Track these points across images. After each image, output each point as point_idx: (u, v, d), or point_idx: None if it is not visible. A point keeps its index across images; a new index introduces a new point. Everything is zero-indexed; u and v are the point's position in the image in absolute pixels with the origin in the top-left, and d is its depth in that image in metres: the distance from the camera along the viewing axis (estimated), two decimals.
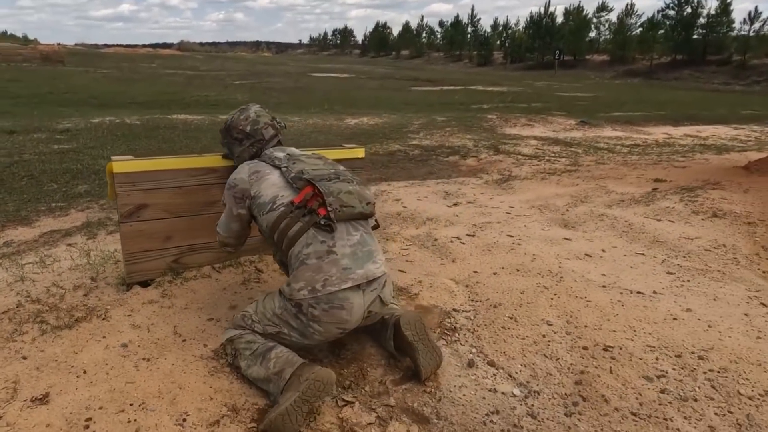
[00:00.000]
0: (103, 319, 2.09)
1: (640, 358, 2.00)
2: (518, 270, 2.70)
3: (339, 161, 2.69)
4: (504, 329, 2.18)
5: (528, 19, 51.69)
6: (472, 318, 2.27)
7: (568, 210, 3.84)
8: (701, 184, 4.40)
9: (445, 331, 2.17)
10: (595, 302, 2.37)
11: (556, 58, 42.42)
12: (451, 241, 3.09)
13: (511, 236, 3.19)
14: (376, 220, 1.95)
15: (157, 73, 23.37)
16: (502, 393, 1.85)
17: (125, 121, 7.79)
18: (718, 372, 1.92)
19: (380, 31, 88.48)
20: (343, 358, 1.99)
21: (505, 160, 6.08)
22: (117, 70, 24.60)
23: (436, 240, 3.10)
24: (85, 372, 1.77)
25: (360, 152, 2.88)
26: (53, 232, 3.38)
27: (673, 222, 3.55)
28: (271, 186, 1.80)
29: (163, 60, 39.46)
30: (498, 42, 57.78)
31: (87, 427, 1.53)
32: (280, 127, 2.10)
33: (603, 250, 3.01)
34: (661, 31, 41.90)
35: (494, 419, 1.72)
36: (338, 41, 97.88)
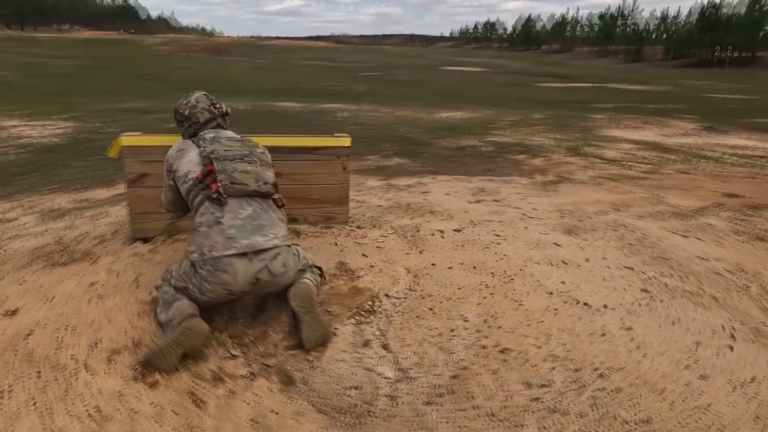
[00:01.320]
0: (92, 262, 2.59)
1: (534, 365, 1.96)
2: (475, 267, 2.70)
3: (324, 148, 2.93)
4: (418, 318, 2.25)
5: (694, 9, 45.94)
6: (397, 305, 2.36)
7: (590, 217, 3.62)
8: None
9: (362, 312, 2.30)
10: (527, 307, 2.32)
11: (725, 54, 37.24)
12: (433, 234, 3.14)
13: (497, 236, 3.15)
14: (280, 199, 2.15)
15: (298, 64, 25.34)
16: (377, 374, 1.94)
17: (237, 107, 8.76)
18: (609, 392, 1.82)
19: (529, 24, 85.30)
20: (257, 320, 2.23)
21: (576, 163, 5.75)
22: (269, 60, 27.15)
23: (418, 231, 3.18)
24: (52, 299, 2.25)
25: (346, 141, 3.06)
26: (122, 195, 4.08)
27: (700, 240, 3.18)
28: (188, 162, 2.10)
29: (313, 52, 42.50)
30: (655, 36, 52.27)
31: (27, 336, 1.98)
32: (219, 112, 2.36)
33: (586, 260, 2.85)
34: None
35: (351, 393, 1.84)
36: (484, 34, 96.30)
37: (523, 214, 3.67)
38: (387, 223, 3.34)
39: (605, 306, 2.35)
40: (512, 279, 2.56)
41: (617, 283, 2.59)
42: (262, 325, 2.19)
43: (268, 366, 1.97)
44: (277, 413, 1.76)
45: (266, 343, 2.09)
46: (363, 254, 2.85)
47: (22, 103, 8.26)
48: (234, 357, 2.00)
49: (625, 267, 2.78)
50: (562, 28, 75.30)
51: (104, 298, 2.27)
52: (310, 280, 2.22)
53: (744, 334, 2.19)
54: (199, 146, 2.15)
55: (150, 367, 1.84)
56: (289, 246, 2.11)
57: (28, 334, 1.99)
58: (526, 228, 3.33)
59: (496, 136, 7.24)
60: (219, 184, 1.95)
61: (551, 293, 2.44)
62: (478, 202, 4.02)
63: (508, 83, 19.06)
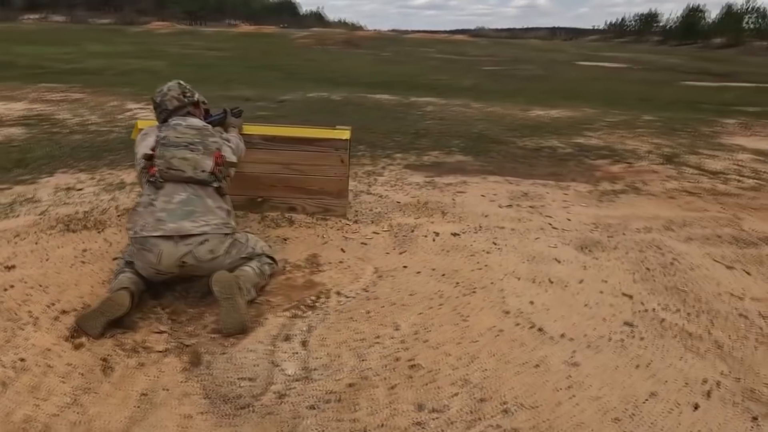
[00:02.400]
0: (98, 231, 2.89)
1: (438, 387, 1.80)
2: (444, 275, 2.52)
3: (322, 140, 2.96)
4: (350, 320, 2.18)
5: None
6: (341, 303, 2.31)
7: (624, 234, 3.17)
8: None
9: (302, 306, 2.28)
10: (470, 324, 2.12)
11: None
12: (426, 236, 2.99)
13: (495, 244, 2.90)
14: (219, 187, 2.19)
15: (423, 57, 25.44)
16: (280, 369, 1.93)
17: (330, 97, 9.09)
18: (509, 429, 1.61)
19: (696, 14, 76.02)
20: (203, 301, 2.31)
21: (661, 172, 5.06)
22: (394, 53, 27.63)
23: (413, 231, 3.05)
24: (47, 260, 2.56)
25: (344, 134, 3.03)
26: None
27: (746, 274, 2.64)
28: (145, 146, 2.24)
29: (445, 45, 42.33)
30: None
31: (6, 289, 2.28)
32: (188, 100, 2.45)
33: (580, 281, 2.51)
34: None
35: (243, 384, 1.85)
36: (640, 27, 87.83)
37: (549, 224, 3.34)
38: (388, 220, 3.25)
39: (563, 335, 2.06)
40: (474, 292, 2.36)
41: (600, 311, 2.26)
42: (204, 307, 2.28)
43: (185, 345, 2.05)
44: (167, 390, 1.83)
45: (197, 323, 2.18)
46: (341, 249, 2.81)
47: (151, 89, 9.41)
48: (161, 332, 2.11)
49: (624, 294, 2.41)
50: (734, 19, 66.04)
51: (85, 264, 2.53)
52: (252, 268, 2.26)
53: (727, 394, 1.79)
54: (160, 131, 2.29)
55: (80, 329, 2.02)
56: (226, 234, 2.17)
57: (9, 288, 2.30)
58: (536, 239, 3.03)
59: (584, 138, 6.62)
60: (156, 169, 2.07)
61: (508, 312, 2.20)
62: (509, 207, 3.73)
63: (645, 81, 17.24)
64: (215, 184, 2.19)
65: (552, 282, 2.49)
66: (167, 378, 1.88)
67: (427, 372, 1.87)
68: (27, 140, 5.55)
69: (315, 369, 1.92)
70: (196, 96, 2.46)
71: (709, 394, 1.78)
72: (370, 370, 1.89)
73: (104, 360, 1.94)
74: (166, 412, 1.73)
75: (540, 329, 2.10)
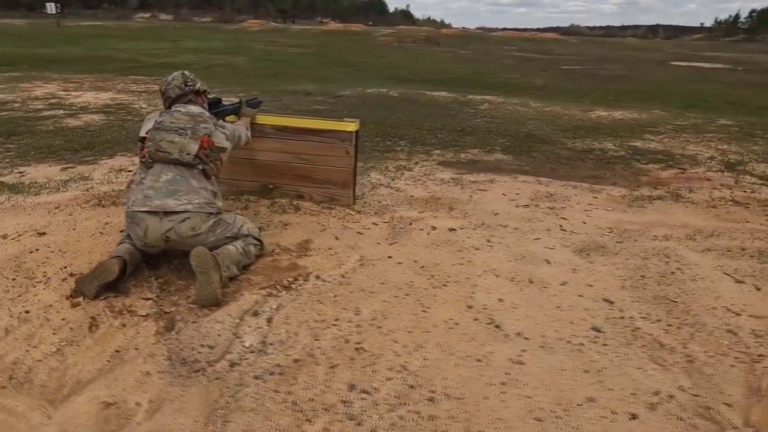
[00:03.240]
0: (118, 207, 3.19)
1: (374, 371, 1.87)
2: (423, 267, 2.55)
3: (328, 131, 3.10)
4: (318, 302, 2.28)
5: None
6: (316, 287, 2.41)
7: (636, 240, 3.01)
8: None
9: (278, 286, 2.41)
10: (429, 315, 2.15)
11: None
12: (422, 229, 3.02)
13: (488, 241, 2.87)
14: (204, 169, 2.35)
15: (501, 55, 24.92)
16: (240, 341, 2.07)
17: (388, 93, 9.21)
18: (420, 417, 1.65)
19: None
20: (194, 275, 2.50)
21: (716, 180, 4.69)
22: (472, 52, 27.30)
23: (411, 224, 3.08)
24: (73, 229, 2.88)
25: (349, 126, 3.11)
26: None
27: (755, 290, 2.43)
28: (143, 130, 2.45)
29: (529, 43, 41.13)
30: None
31: (31, 252, 2.61)
32: (190, 89, 2.62)
33: (563, 283, 2.44)
34: None
35: (202, 350, 2.01)
36: (751, 24, 80.00)
37: (559, 226, 3.24)
38: (391, 212, 3.31)
39: (519, 334, 2.04)
40: (446, 285, 2.37)
41: (570, 314, 2.19)
42: (193, 280, 2.46)
43: (165, 312, 2.24)
44: (137, 350, 2.03)
45: (182, 294, 2.37)
46: (336, 237, 2.92)
47: (223, 82, 10.00)
48: (148, 299, 2.33)
49: (604, 299, 2.31)
50: None
51: (103, 235, 2.82)
52: (235, 247, 2.42)
53: (676, 409, 1.70)
54: (159, 117, 2.50)
55: (79, 290, 2.27)
56: (210, 213, 2.34)
57: (33, 251, 2.62)
58: (536, 239, 2.96)
59: (642, 141, 6.24)
60: (146, 150, 2.28)
61: (471, 307, 2.20)
62: (525, 206, 3.65)
63: (740, 83, 15.80)
64: (200, 167, 2.36)
65: (531, 282, 2.44)
66: (141, 339, 2.08)
67: (369, 356, 1.92)
68: (102, 126, 6.16)
69: (271, 344, 2.04)
70: (198, 85, 2.64)
71: (655, 406, 1.70)
72: (319, 350, 1.98)
73: (93, 318, 2.18)
74: (130, 368, 1.93)
75: (497, 326, 2.08)
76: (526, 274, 2.52)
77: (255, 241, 2.54)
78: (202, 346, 2.03)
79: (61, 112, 7.00)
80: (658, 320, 2.17)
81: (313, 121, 3.19)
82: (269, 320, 2.18)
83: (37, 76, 10.57)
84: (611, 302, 2.30)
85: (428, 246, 2.81)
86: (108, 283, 2.24)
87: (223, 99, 3.08)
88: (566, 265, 2.63)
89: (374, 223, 3.12)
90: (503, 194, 3.96)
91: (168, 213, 2.23)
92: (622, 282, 2.48)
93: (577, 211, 3.62)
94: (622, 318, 2.18)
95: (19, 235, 2.79)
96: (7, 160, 4.59)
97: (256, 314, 2.22)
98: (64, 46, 19.38)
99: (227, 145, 2.54)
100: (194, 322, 2.16)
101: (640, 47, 45.58)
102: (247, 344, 2.05)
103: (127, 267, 2.32)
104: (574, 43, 46.50)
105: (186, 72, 2.66)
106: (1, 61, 13.25)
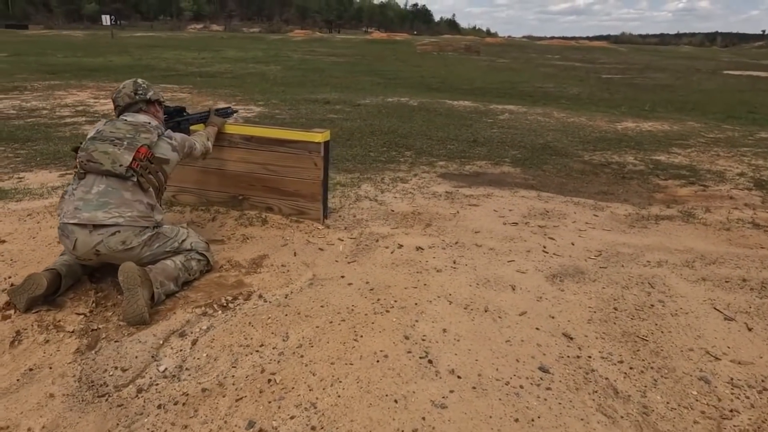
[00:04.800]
0: None
1: (280, 407, 1.71)
2: (372, 290, 2.37)
3: (295, 142, 2.98)
4: (248, 325, 2.14)
5: None
6: (254, 308, 2.27)
7: (624, 266, 2.73)
8: None
9: (215, 305, 2.29)
10: (360, 345, 1.98)
11: None
12: (387, 247, 2.83)
13: (454, 263, 2.66)
14: (138, 180, 2.25)
15: (540, 64, 24.34)
16: (156, 363, 1.94)
17: (408, 103, 9.04)
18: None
19: None
20: None
21: (740, 199, 4.28)
22: (511, 60, 26.80)
23: (377, 242, 2.90)
24: (34, 238, 2.86)
25: (317, 137, 2.96)
26: None
27: (746, 330, 2.12)
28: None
29: (573, 52, 40.11)
30: None
31: (34, 237, 2.59)
32: (140, 98, 2.53)
33: (522, 314, 2.20)
34: None
35: (114, 373, 1.90)
36: None
37: (542, 247, 2.98)
38: (362, 228, 3.14)
39: (452, 371, 1.82)
40: (389, 311, 2.18)
41: (519, 350, 1.96)
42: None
43: (91, 330, 2.15)
44: (50, 369, 1.94)
45: (118, 309, 2.28)
46: (294, 253, 2.77)
47: (251, 92, 10.09)
48: (80, 314, 2.25)
49: (563, 334, 2.07)
50: None
51: (60, 245, 2.78)
52: (173, 262, 2.32)
53: None
54: (102, 126, 2.43)
55: (12, 301, 2.22)
56: (144, 227, 2.24)
57: (34, 236, 2.60)
58: (510, 262, 2.72)
59: (668, 155, 5.83)
60: (78, 161, 2.21)
61: (407, 338, 2.00)
62: (514, 224, 3.41)
63: None
64: (134, 179, 2.26)
65: (486, 311, 2.21)
66: (58, 357, 1.99)
67: (280, 389, 1.76)
68: None
69: (187, 369, 1.91)
70: (149, 94, 2.56)
71: None
72: (232, 378, 1.84)
73: (17, 333, 2.11)
74: (36, 388, 1.83)
75: (430, 361, 1.87)
76: (484, 301, 2.29)
77: (199, 256, 2.43)
78: (115, 368, 1.92)
79: (83, 119, 7.19)
80: (620, 361, 1.91)
81: (282, 131, 3.07)
82: (194, 342, 2.06)
83: (75, 85, 10.99)
84: (571, 338, 2.05)
85: (387, 266, 2.62)
86: (38, 296, 2.17)
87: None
88: (532, 293, 2.38)
89: (340, 239, 2.96)
90: (494, 210, 3.72)
91: (97, 226, 2.15)
92: (590, 314, 2.21)
93: (570, 230, 3.35)
94: (578, 357, 1.93)
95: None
96: (11, 165, 4.70)
97: (182, 335, 2.10)
98: (111, 56, 20.23)
99: (172, 156, 2.44)
100: (116, 341, 2.06)
101: (692, 55, 43.69)
102: (162, 368, 1.93)
103: (63, 280, 2.25)
104: (621, 52, 45.06)
105: (139, 80, 2.59)
106: (48, 70, 13.91)
